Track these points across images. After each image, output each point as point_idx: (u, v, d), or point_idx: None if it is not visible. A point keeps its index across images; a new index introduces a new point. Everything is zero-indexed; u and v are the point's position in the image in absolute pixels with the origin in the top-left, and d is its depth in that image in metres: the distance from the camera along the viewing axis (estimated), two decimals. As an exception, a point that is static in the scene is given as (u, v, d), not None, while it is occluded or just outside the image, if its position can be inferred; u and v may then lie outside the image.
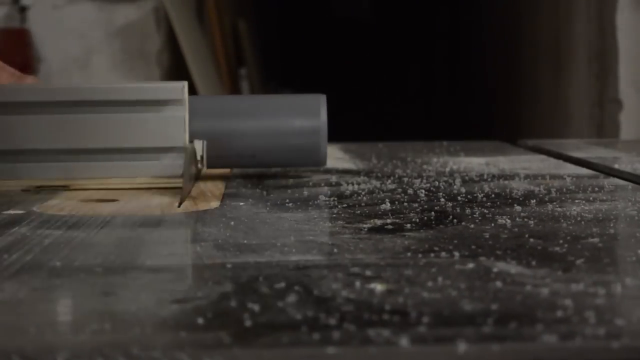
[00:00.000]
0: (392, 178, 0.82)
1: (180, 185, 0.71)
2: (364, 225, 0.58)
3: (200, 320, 0.37)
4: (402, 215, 0.61)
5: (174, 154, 0.74)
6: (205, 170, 0.78)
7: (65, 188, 0.76)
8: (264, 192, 0.73)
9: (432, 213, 0.62)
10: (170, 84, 0.75)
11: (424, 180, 0.79)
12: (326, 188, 0.76)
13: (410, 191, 0.73)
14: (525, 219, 0.59)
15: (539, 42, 2.98)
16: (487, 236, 0.54)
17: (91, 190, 0.75)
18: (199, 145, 0.76)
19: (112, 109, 0.74)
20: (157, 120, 0.74)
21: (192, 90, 2.49)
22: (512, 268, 0.46)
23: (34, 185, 0.77)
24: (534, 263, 0.47)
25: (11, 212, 0.65)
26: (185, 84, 0.75)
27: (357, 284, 0.43)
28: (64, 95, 0.74)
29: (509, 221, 0.59)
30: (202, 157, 0.76)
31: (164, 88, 0.75)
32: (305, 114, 0.80)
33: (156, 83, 0.77)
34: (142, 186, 0.76)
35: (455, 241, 0.52)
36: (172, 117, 0.74)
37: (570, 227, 0.57)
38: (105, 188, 0.75)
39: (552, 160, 0.97)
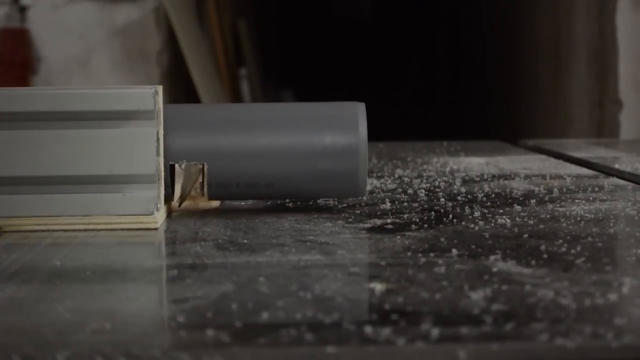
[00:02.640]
0: (392, 178, 0.82)
1: (150, 226, 0.57)
2: (364, 225, 0.58)
3: (200, 320, 0.37)
4: (402, 215, 0.61)
5: (143, 185, 0.57)
6: (204, 203, 0.62)
7: None
8: (264, 192, 0.73)
9: (432, 213, 0.62)
10: (138, 90, 0.57)
11: (424, 180, 0.79)
12: (326, 188, 0.75)
13: (410, 191, 0.73)
14: (525, 219, 0.59)
15: (539, 42, 2.98)
16: (487, 236, 0.54)
17: (29, 233, 0.57)
18: (195, 170, 0.59)
19: (61, 124, 0.57)
20: (121, 138, 0.57)
21: (192, 91, 2.49)
22: (512, 268, 0.46)
23: None
24: (533, 263, 0.47)
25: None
26: (159, 88, 0.58)
27: (357, 283, 0.43)
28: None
29: (508, 221, 0.59)
30: (202, 184, 0.60)
31: (128, 95, 0.57)
32: (339, 129, 0.61)
33: (120, 88, 0.58)
34: (101, 227, 0.57)
35: (455, 241, 0.52)
36: (140, 134, 0.57)
37: (570, 227, 0.57)
38: (50, 230, 0.57)
39: (553, 160, 0.97)
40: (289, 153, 0.60)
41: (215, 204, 0.67)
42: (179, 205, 0.66)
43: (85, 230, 0.57)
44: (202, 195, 0.60)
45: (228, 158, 0.59)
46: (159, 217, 0.57)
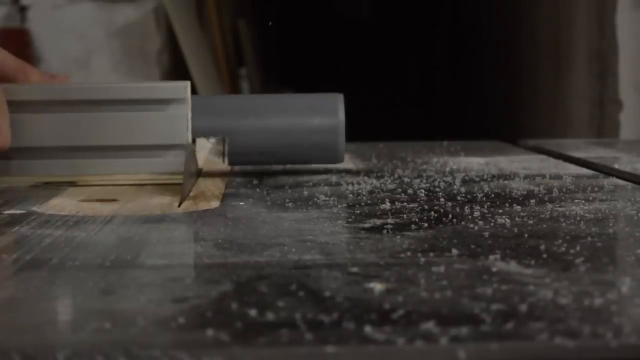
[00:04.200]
0: (392, 178, 0.82)
1: (180, 181, 0.72)
2: (364, 225, 0.58)
3: (200, 320, 0.38)
4: (402, 215, 0.62)
5: (176, 152, 0.76)
6: (227, 167, 0.82)
7: (72, 184, 0.78)
8: (264, 192, 0.73)
9: (432, 213, 0.62)
10: (173, 84, 0.77)
11: (424, 180, 0.79)
12: (326, 188, 0.76)
13: (410, 191, 0.73)
14: (525, 219, 0.60)
15: (539, 42, 2.98)
16: (487, 236, 0.54)
17: (94, 188, 0.76)
18: (220, 144, 0.80)
19: (117, 108, 0.76)
20: (160, 118, 0.76)
21: (192, 90, 2.49)
22: (512, 267, 0.46)
23: (42, 182, 0.79)
24: (533, 262, 0.47)
25: (12, 211, 0.65)
26: (188, 83, 0.77)
27: (357, 283, 0.43)
28: (69, 94, 0.76)
29: (508, 221, 0.59)
30: (224, 153, 0.80)
31: (167, 87, 0.77)
32: (324, 113, 0.82)
33: (159, 82, 0.82)
34: (145, 182, 0.77)
35: (455, 241, 0.52)
36: (175, 116, 0.76)
37: (570, 227, 0.57)
38: (110, 184, 0.77)
39: (552, 160, 0.97)
40: (289, 130, 0.82)
41: (215, 203, 0.67)
42: (179, 205, 0.66)
43: (136, 184, 0.77)
44: (224, 162, 0.80)
45: (245, 134, 0.81)
46: None
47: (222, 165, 0.82)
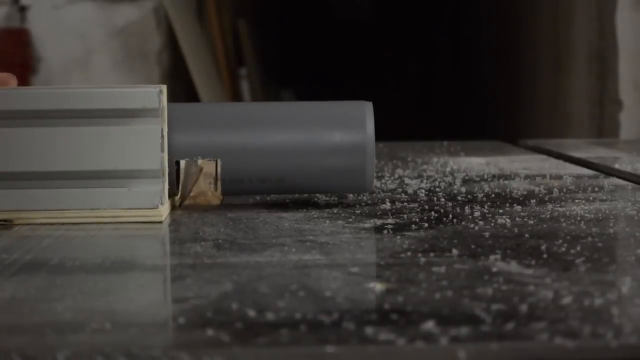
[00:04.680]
0: (392, 178, 0.82)
1: (155, 219, 0.60)
2: (364, 225, 0.58)
3: (200, 320, 0.37)
4: (402, 215, 0.61)
5: (147, 179, 0.60)
6: (219, 199, 0.64)
7: (6, 224, 0.59)
8: (264, 192, 0.73)
9: (432, 213, 0.62)
10: (143, 89, 0.60)
11: (424, 180, 0.79)
12: (326, 188, 0.75)
13: (410, 191, 0.73)
14: (525, 219, 0.59)
15: (539, 42, 2.98)
16: (487, 236, 0.54)
17: (41, 226, 0.59)
18: (210, 166, 0.62)
19: (72, 121, 0.59)
20: (127, 135, 0.59)
21: (192, 91, 2.49)
22: (512, 268, 0.46)
23: None
24: (533, 262, 0.47)
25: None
26: (163, 87, 0.60)
27: (357, 283, 0.43)
28: (8, 102, 0.59)
29: (508, 221, 0.59)
30: (216, 180, 0.63)
31: (134, 94, 0.59)
32: (347, 126, 0.63)
33: (127, 87, 0.60)
34: (107, 220, 0.60)
35: (455, 241, 0.52)
36: (146, 131, 0.59)
37: (570, 227, 0.57)
38: (57, 222, 0.59)
39: (553, 160, 0.97)
40: (300, 149, 0.63)
41: (216, 203, 0.67)
42: (179, 205, 0.66)
43: (92, 223, 0.59)
44: (216, 191, 0.63)
45: (241, 154, 0.62)
46: (164, 210, 0.60)
47: (213, 196, 0.64)
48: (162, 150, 0.59)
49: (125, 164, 0.59)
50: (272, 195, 0.71)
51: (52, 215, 0.59)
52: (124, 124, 0.59)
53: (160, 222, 0.59)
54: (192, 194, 0.72)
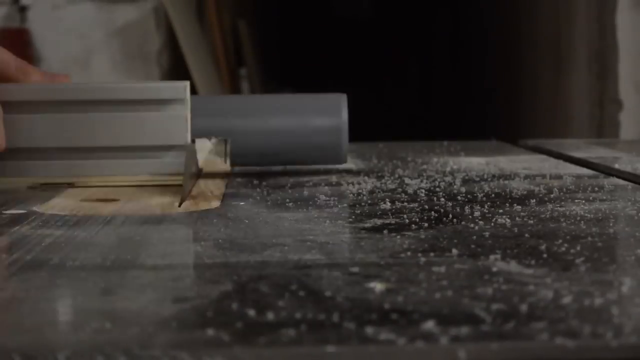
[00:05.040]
0: (392, 178, 0.82)
1: (181, 182, 0.72)
2: (364, 225, 0.58)
3: (200, 319, 0.38)
4: (402, 215, 0.62)
5: (175, 152, 0.75)
6: (228, 168, 0.81)
7: (70, 185, 0.77)
8: (264, 192, 0.73)
9: (432, 213, 0.62)
10: (173, 84, 0.76)
11: (424, 180, 0.79)
12: (326, 188, 0.76)
13: (410, 191, 0.73)
14: (525, 219, 0.60)
15: (539, 42, 2.98)
16: (487, 235, 0.54)
17: (93, 189, 0.76)
18: (222, 145, 0.80)
19: (116, 108, 0.75)
20: (160, 119, 0.75)
21: (192, 90, 2.49)
22: (512, 267, 0.46)
23: (39, 183, 0.78)
24: (533, 262, 0.47)
25: (13, 211, 0.65)
26: (187, 83, 0.76)
27: (357, 283, 0.43)
28: (68, 94, 0.75)
29: (508, 221, 0.59)
30: (227, 155, 0.80)
31: (166, 87, 0.76)
32: (327, 113, 0.81)
33: (158, 82, 0.83)
34: (144, 183, 0.76)
35: (455, 240, 0.52)
36: (174, 116, 0.75)
37: (570, 227, 0.57)
38: (108, 185, 0.77)
39: (553, 160, 0.97)
40: (292, 131, 0.81)
41: (216, 203, 0.67)
42: (180, 205, 0.66)
43: (134, 185, 0.76)
44: (225, 163, 0.81)
45: (245, 135, 0.81)
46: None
47: (223, 165, 0.81)
48: (187, 130, 0.76)
49: (159, 141, 0.75)
50: (272, 196, 0.71)
51: (104, 179, 0.77)
52: (159, 110, 0.76)
53: (182, 185, 0.72)
54: (192, 194, 0.72)
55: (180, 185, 0.72)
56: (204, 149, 0.81)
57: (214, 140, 0.80)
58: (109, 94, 0.75)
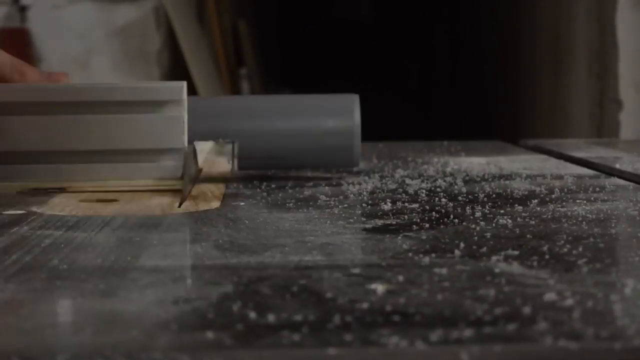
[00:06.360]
0: (392, 178, 0.81)
1: (179, 187, 0.71)
2: (365, 226, 0.58)
3: (200, 321, 0.37)
4: (403, 216, 0.61)
5: (172, 156, 0.73)
6: (235, 171, 0.79)
7: (62, 190, 0.74)
8: (265, 192, 0.73)
9: (433, 213, 0.62)
10: (169, 84, 0.74)
11: (425, 181, 0.79)
12: (327, 188, 0.75)
13: (411, 191, 0.72)
14: (527, 219, 0.59)
15: (539, 42, 2.98)
16: (489, 236, 0.54)
17: (89, 193, 0.73)
18: (228, 147, 0.77)
19: (110, 110, 0.72)
20: (156, 121, 0.72)
21: (192, 91, 2.49)
22: (514, 268, 0.45)
23: (30, 188, 0.74)
24: (535, 263, 0.46)
25: (12, 212, 0.64)
26: (185, 84, 0.73)
27: (358, 284, 0.43)
28: (59, 95, 0.72)
29: (510, 221, 0.58)
30: (234, 157, 0.77)
31: (162, 88, 0.73)
32: (338, 114, 0.79)
33: (155, 83, 0.76)
34: (140, 188, 0.73)
35: (457, 241, 0.52)
36: (171, 118, 0.72)
37: (572, 227, 0.56)
38: (103, 190, 0.73)
39: (553, 160, 0.97)
40: (302, 133, 0.78)
41: (216, 204, 0.67)
42: (180, 206, 0.66)
43: (129, 191, 0.73)
44: (233, 167, 0.78)
45: (252, 137, 0.78)
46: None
47: (225, 167, 0.80)
48: (183, 133, 0.73)
49: (155, 144, 0.72)
50: (272, 196, 0.71)
51: (97, 184, 0.73)
52: (155, 111, 0.72)
53: (180, 190, 0.70)
54: (192, 194, 0.72)
55: (177, 190, 0.71)
56: (205, 150, 0.79)
57: (220, 141, 0.78)
58: (102, 95, 0.72)
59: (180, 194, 0.69)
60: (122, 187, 0.74)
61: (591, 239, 0.53)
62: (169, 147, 0.73)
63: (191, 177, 0.74)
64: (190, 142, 0.74)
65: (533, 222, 0.58)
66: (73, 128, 0.72)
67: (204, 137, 0.77)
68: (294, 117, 0.78)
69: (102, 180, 0.74)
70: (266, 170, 0.83)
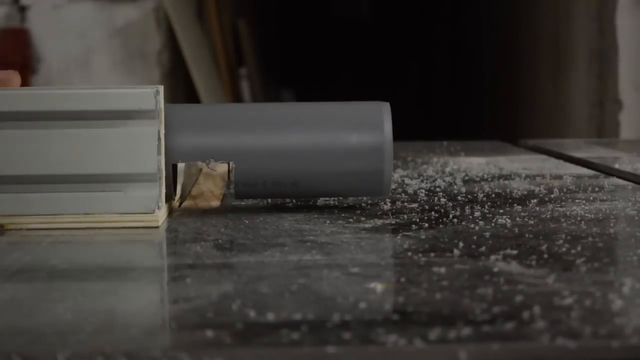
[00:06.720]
0: (392, 178, 0.81)
1: (153, 224, 0.57)
2: (365, 225, 0.58)
3: (200, 320, 0.37)
4: (402, 215, 0.61)
5: (143, 183, 0.57)
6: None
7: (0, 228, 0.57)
8: (264, 192, 0.73)
9: (433, 213, 0.62)
10: (139, 90, 0.57)
11: (424, 180, 0.79)
12: (326, 188, 0.75)
13: (410, 191, 0.73)
14: (526, 219, 0.59)
15: (538, 42, 2.98)
16: (488, 236, 0.54)
17: (31, 231, 0.57)
18: (223, 169, 0.60)
19: (63, 123, 0.56)
20: (122, 137, 0.57)
21: (192, 91, 2.49)
22: (513, 267, 0.46)
23: None
24: (534, 263, 0.47)
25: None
26: (160, 88, 0.58)
27: (357, 283, 0.43)
28: None
29: (509, 221, 0.59)
30: (229, 182, 0.61)
31: (130, 95, 0.57)
32: (364, 128, 0.61)
33: (122, 88, 0.58)
34: (102, 225, 0.57)
35: (456, 241, 0.52)
36: (141, 134, 0.57)
37: (571, 227, 0.57)
38: (51, 228, 0.57)
39: (553, 160, 0.97)
40: (315, 151, 0.60)
41: (216, 203, 0.67)
42: (179, 206, 0.66)
43: (87, 228, 0.57)
44: (230, 194, 0.61)
45: (255, 157, 0.60)
46: (160, 215, 0.58)
47: (212, 198, 0.62)
48: (159, 153, 0.57)
49: (121, 168, 0.56)
50: (272, 196, 0.71)
51: (45, 220, 0.56)
52: (120, 125, 0.56)
53: (157, 227, 0.57)
54: (191, 193, 0.72)
55: (153, 227, 0.57)
56: (190, 174, 0.61)
57: (211, 162, 0.61)
58: (53, 104, 0.56)
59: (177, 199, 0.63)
60: (79, 224, 0.57)
61: (590, 239, 0.53)
62: (138, 172, 0.57)
63: (189, 188, 0.63)
64: (170, 164, 0.60)
65: (532, 222, 0.58)
66: (15, 146, 0.56)
67: (189, 157, 0.60)
68: (307, 131, 0.61)
69: (52, 215, 0.57)
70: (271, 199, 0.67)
